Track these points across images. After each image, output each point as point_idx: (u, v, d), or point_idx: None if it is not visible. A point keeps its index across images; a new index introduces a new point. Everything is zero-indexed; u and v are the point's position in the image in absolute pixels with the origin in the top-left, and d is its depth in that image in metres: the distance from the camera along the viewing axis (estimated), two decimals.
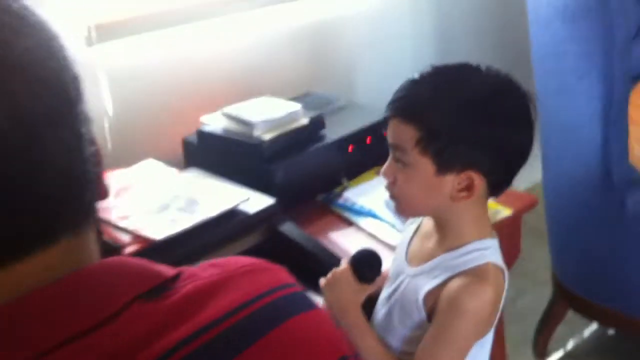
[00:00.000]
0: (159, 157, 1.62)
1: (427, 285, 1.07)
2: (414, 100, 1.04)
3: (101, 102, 1.65)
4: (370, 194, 1.67)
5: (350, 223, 1.60)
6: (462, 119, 1.01)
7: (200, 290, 0.59)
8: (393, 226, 1.55)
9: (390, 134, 1.06)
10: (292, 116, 1.67)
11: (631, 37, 2.13)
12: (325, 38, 2.14)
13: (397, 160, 1.06)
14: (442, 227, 1.10)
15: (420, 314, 1.08)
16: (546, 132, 2.04)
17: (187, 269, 0.63)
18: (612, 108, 1.83)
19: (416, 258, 1.13)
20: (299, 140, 1.66)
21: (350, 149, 1.73)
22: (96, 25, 1.59)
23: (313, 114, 1.73)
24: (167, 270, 0.61)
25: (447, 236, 1.09)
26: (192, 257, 1.15)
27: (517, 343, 2.24)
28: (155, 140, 1.73)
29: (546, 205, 2.09)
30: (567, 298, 2.08)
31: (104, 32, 1.61)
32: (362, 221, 1.59)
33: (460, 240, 1.07)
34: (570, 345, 2.28)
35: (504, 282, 1.09)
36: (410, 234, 1.19)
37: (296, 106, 1.70)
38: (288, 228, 1.42)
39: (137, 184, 1.47)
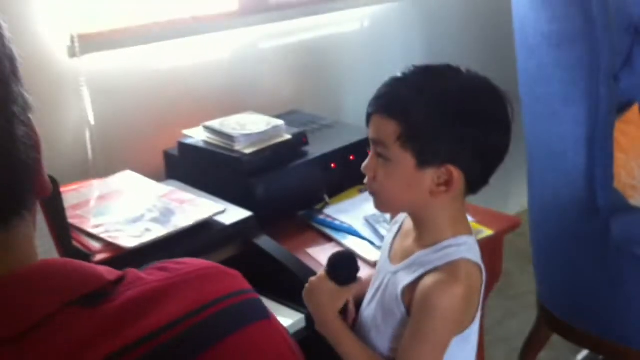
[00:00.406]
0: (140, 169, 1.61)
1: (405, 280, 1.08)
2: (396, 97, 1.06)
3: (83, 112, 1.65)
4: (351, 211, 1.66)
5: (330, 239, 1.59)
6: (440, 116, 1.03)
7: (144, 296, 0.56)
8: (372, 243, 1.54)
9: (372, 130, 1.08)
10: (274, 131, 1.67)
11: (616, 63, 2.14)
12: (313, 57, 2.15)
13: (378, 155, 1.08)
14: (420, 224, 1.12)
15: (400, 310, 1.09)
16: (533, 156, 2.04)
17: (132, 272, 0.60)
18: (596, 133, 1.82)
19: (397, 256, 1.15)
20: (280, 155, 1.66)
21: (333, 166, 1.73)
22: (79, 35, 1.60)
23: (296, 130, 1.72)
24: (109, 273, 0.58)
25: (424, 233, 1.11)
26: None
27: None
28: (136, 152, 1.73)
29: (531, 229, 2.08)
30: (550, 323, 2.06)
31: (88, 44, 1.62)
32: (342, 237, 1.58)
33: (437, 237, 1.09)
34: None
35: (481, 277, 1.09)
36: (394, 233, 1.20)
37: (279, 122, 1.70)
38: (264, 241, 1.41)
39: (114, 194, 1.46)
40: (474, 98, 1.05)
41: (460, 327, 1.08)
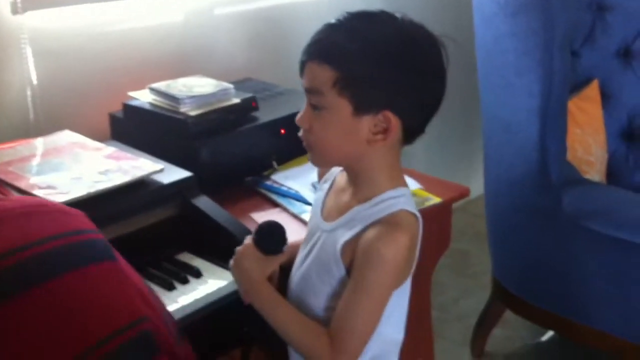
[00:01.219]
0: (84, 131, 1.56)
1: (344, 237, 1.06)
2: (332, 43, 1.03)
3: (25, 71, 1.60)
4: (299, 178, 1.64)
5: (275, 205, 1.57)
6: (378, 60, 1.01)
7: None
8: None
9: (306, 79, 1.05)
10: (222, 95, 1.64)
11: (577, 39, 2.13)
12: (271, 25, 2.12)
13: (313, 106, 1.05)
14: (357, 177, 1.10)
15: (339, 269, 1.07)
16: (488, 130, 2.02)
17: None
18: (550, 105, 1.81)
19: (332, 213, 1.12)
20: (228, 119, 1.63)
21: (282, 132, 1.70)
22: None
23: (245, 94, 1.69)
24: None
25: (361, 187, 1.09)
26: (99, 225, 1.10)
27: (457, 343, 2.22)
28: (81, 113, 1.69)
29: (486, 203, 2.07)
30: (504, 298, 2.05)
31: (31, 0, 1.57)
32: (288, 203, 1.55)
33: (374, 190, 1.07)
34: (510, 347, 2.26)
35: (419, 228, 1.08)
36: (325, 191, 1.18)
37: (227, 85, 1.67)
38: (203, 202, 1.38)
39: (52, 152, 1.42)
40: (411, 43, 1.04)
41: (402, 278, 1.07)
